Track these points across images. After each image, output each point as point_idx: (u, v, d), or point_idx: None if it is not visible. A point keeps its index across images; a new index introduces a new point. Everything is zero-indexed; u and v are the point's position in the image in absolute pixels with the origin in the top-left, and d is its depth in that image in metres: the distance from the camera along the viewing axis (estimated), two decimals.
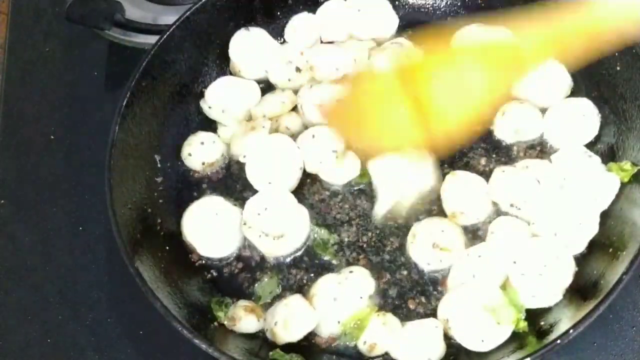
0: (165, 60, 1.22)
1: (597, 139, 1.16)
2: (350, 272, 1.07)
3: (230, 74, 1.30)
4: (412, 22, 1.33)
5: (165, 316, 0.97)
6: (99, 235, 1.23)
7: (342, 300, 1.05)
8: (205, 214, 1.14)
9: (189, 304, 1.05)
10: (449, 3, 1.35)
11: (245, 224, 1.12)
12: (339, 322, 1.04)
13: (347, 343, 1.05)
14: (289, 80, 1.27)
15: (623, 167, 1.10)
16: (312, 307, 1.05)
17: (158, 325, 1.01)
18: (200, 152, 1.21)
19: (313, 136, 1.17)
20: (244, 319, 1.06)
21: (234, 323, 1.06)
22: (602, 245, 1.06)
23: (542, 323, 1.02)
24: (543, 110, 1.19)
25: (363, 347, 1.04)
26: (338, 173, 1.18)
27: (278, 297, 1.10)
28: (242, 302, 1.09)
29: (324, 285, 1.07)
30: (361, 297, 1.05)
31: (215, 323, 1.06)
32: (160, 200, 1.17)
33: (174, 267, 1.10)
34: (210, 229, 1.13)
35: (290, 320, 1.03)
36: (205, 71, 1.29)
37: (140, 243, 1.07)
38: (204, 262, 1.14)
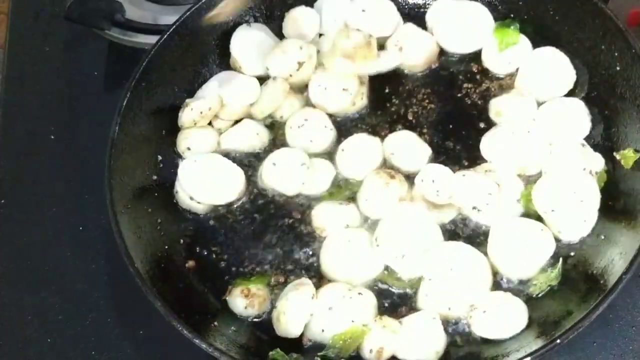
0: (165, 60, 1.22)
1: (588, 137, 1.16)
2: (360, 293, 1.05)
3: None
4: (414, 20, 1.33)
5: (165, 316, 0.97)
6: (99, 235, 1.23)
7: (335, 313, 1.03)
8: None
9: (189, 304, 1.05)
10: None
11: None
12: (322, 330, 1.03)
13: (333, 356, 1.02)
14: (290, 75, 1.26)
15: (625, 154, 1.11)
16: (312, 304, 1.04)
17: (158, 326, 1.01)
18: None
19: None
20: (234, 297, 1.07)
21: (227, 295, 1.08)
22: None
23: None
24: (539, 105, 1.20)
25: (371, 356, 1.01)
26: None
27: None
28: (251, 285, 1.08)
29: (328, 290, 1.06)
30: (353, 321, 1.02)
31: (215, 323, 1.06)
32: (161, 199, 1.17)
33: (174, 266, 1.10)
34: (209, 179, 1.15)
35: (281, 317, 1.03)
36: (205, 71, 1.29)
37: (140, 242, 1.07)
38: (203, 264, 1.14)
